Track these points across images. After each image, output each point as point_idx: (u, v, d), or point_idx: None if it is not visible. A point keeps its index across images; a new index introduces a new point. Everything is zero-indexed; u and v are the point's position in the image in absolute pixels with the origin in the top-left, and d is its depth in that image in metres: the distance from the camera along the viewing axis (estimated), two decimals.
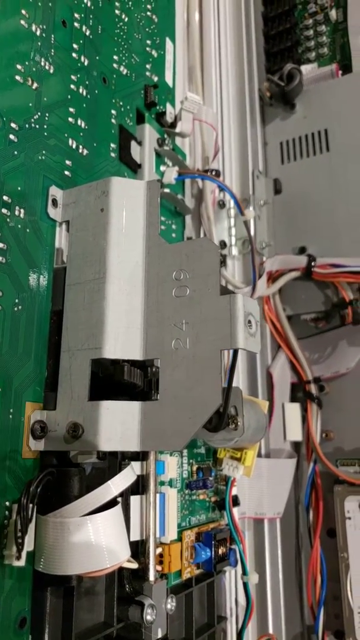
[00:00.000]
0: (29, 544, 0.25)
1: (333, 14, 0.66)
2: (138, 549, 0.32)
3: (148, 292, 0.29)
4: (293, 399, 0.57)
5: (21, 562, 0.24)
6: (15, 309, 0.28)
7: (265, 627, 0.45)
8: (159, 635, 0.30)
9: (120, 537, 0.27)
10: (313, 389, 0.55)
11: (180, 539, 0.35)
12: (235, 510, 0.41)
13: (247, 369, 0.53)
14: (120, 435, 0.27)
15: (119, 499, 0.28)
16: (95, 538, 0.25)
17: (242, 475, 0.40)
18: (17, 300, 0.28)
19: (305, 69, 0.64)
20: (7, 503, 0.25)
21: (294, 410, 0.56)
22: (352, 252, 0.54)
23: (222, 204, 0.54)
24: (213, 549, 0.37)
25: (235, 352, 0.33)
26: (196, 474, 0.39)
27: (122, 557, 0.26)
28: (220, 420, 0.35)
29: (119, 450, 0.27)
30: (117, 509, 0.27)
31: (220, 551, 0.37)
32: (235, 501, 0.41)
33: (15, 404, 0.27)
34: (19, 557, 0.24)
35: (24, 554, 0.24)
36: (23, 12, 0.31)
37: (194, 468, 0.39)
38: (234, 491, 0.42)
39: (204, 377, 0.26)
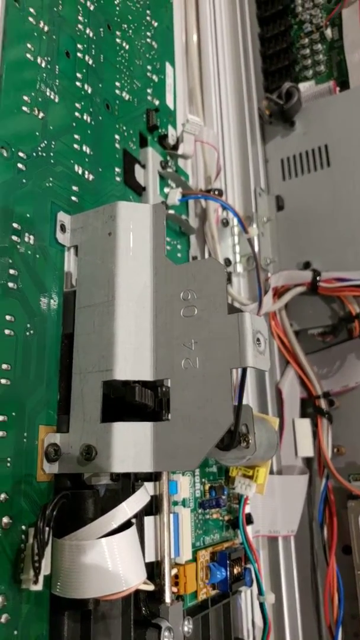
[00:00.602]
0: (45, 568, 0.25)
1: (329, 32, 0.67)
2: (153, 570, 0.32)
3: (157, 313, 0.29)
4: (303, 414, 0.57)
5: (38, 587, 0.24)
6: (27, 333, 0.28)
7: None
8: None
9: (136, 558, 0.27)
10: (323, 404, 0.55)
11: (195, 559, 0.35)
12: (249, 528, 0.41)
13: (256, 385, 0.53)
14: (134, 456, 0.27)
15: (134, 520, 0.28)
16: (111, 560, 0.25)
17: (255, 493, 0.39)
18: (28, 325, 0.28)
19: (303, 86, 0.66)
20: (24, 527, 0.26)
21: (304, 426, 0.55)
22: (356, 266, 0.54)
23: (225, 223, 0.54)
24: (228, 569, 0.36)
25: (245, 370, 0.33)
26: (209, 493, 0.39)
27: (139, 579, 0.26)
28: (231, 439, 0.35)
29: (133, 471, 0.27)
30: (132, 531, 0.27)
31: (235, 571, 0.37)
32: (249, 519, 0.41)
33: (29, 428, 0.27)
34: (36, 582, 0.24)
35: (41, 578, 0.24)
36: (28, 45, 0.32)
37: (207, 487, 0.39)
38: (247, 509, 0.41)
39: (215, 396, 0.26)
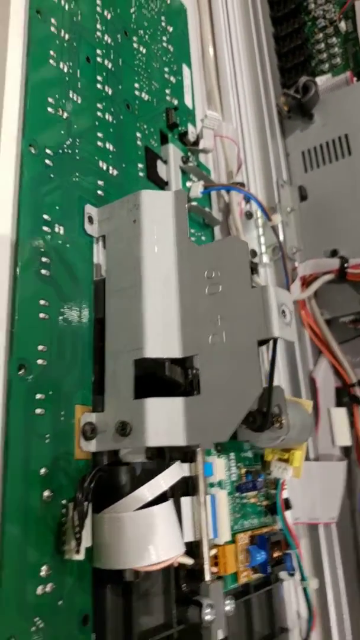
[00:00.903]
0: (86, 540, 0.26)
1: (343, 25, 0.68)
2: (192, 551, 0.32)
3: (183, 293, 0.30)
4: (339, 403, 0.56)
5: (80, 556, 0.25)
6: (61, 317, 0.29)
7: (329, 638, 0.44)
8: (220, 637, 0.30)
9: (174, 531, 0.27)
10: (358, 392, 0.55)
11: (233, 541, 0.35)
12: (288, 514, 0.41)
13: (289, 375, 0.53)
14: (166, 430, 0.27)
15: (170, 498, 0.29)
16: (149, 531, 0.26)
17: (291, 476, 0.39)
18: (62, 310, 0.29)
19: (320, 80, 0.66)
20: (64, 502, 0.27)
21: (340, 415, 0.55)
22: None
23: (249, 215, 0.55)
24: (268, 552, 0.36)
25: (274, 350, 0.33)
26: (245, 477, 0.39)
27: (178, 551, 0.27)
28: (264, 420, 0.35)
29: (167, 444, 0.28)
30: (169, 504, 0.27)
31: (275, 554, 0.37)
32: (287, 504, 0.41)
33: (66, 407, 0.28)
34: (78, 551, 0.25)
35: (82, 549, 0.25)
36: (51, 52, 0.34)
37: (243, 471, 0.39)
38: (285, 494, 0.41)
39: (243, 368, 0.27)
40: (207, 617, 0.29)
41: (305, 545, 0.46)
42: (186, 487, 0.33)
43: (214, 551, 0.33)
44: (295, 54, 0.69)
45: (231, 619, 0.36)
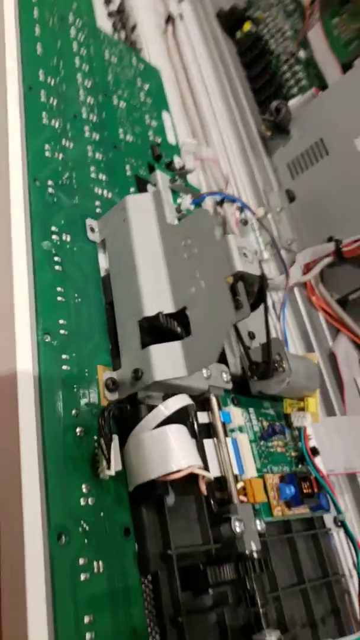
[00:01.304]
0: (116, 463, 0.31)
1: (302, 54, 0.78)
2: (220, 485, 0.36)
3: (169, 264, 0.37)
4: None
5: (112, 472, 0.30)
6: (76, 301, 0.37)
7: None
8: (254, 548, 0.33)
9: (189, 446, 0.32)
10: None
11: (261, 477, 0.39)
12: (317, 460, 0.44)
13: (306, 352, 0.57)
14: (170, 366, 0.33)
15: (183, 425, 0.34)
16: (166, 446, 0.31)
17: (311, 422, 0.43)
18: (76, 295, 0.37)
19: (291, 102, 0.75)
20: (95, 437, 0.32)
21: None
22: None
23: (244, 222, 0.62)
24: (297, 487, 0.39)
25: (266, 307, 0.39)
26: (267, 429, 0.43)
27: (194, 462, 0.31)
28: (267, 366, 0.40)
29: (172, 377, 0.33)
30: (181, 426, 0.33)
31: (305, 490, 0.40)
32: (315, 451, 0.44)
33: (89, 367, 0.35)
34: (109, 467, 0.30)
35: (112, 466, 0.30)
36: (43, 114, 0.44)
37: (265, 424, 0.43)
38: (313, 443, 0.44)
39: (219, 302, 0.33)
40: (238, 530, 0.33)
41: (350, 499, 0.48)
42: (208, 431, 0.38)
43: (240, 484, 0.37)
44: (267, 87, 0.80)
45: (278, 559, 0.39)
